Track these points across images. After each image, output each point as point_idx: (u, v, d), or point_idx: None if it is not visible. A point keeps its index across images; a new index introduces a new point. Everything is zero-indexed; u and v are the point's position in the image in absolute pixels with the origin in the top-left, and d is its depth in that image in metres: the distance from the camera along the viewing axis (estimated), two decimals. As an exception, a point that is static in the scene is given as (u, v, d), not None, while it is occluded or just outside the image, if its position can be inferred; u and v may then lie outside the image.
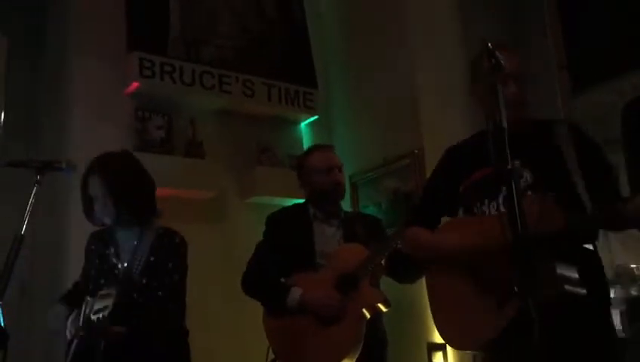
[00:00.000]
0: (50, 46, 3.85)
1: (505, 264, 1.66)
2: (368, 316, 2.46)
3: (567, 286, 1.57)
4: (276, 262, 2.62)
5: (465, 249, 1.84)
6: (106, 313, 1.86)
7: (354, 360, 2.41)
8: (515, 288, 1.48)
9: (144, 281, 2.14)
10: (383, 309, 2.49)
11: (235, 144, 3.97)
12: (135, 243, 2.21)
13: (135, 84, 3.59)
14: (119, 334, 1.96)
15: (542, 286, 1.29)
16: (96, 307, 1.91)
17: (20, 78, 3.74)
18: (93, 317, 1.89)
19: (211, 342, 3.30)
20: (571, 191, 1.77)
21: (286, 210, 2.93)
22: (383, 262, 2.51)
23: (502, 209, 1.82)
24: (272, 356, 2.56)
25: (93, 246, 2.29)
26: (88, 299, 1.98)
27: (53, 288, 3.19)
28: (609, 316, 1.86)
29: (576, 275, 1.61)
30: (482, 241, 1.76)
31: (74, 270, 2.45)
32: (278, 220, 2.80)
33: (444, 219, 2.12)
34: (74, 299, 2.18)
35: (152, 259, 2.18)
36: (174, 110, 3.76)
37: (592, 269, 1.77)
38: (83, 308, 1.98)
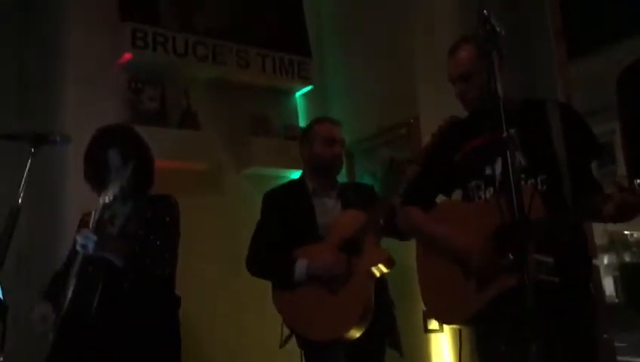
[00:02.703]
0: (42, 18, 3.78)
1: (485, 250, 1.79)
2: (377, 274, 2.47)
3: (541, 275, 1.62)
4: (279, 240, 2.61)
5: (451, 243, 1.96)
6: (116, 189, 1.95)
7: (367, 319, 2.42)
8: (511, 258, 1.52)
9: (141, 233, 2.17)
10: (388, 268, 2.49)
11: (230, 115, 3.94)
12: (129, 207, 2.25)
13: (127, 55, 3.54)
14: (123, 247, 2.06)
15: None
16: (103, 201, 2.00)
17: (11, 51, 3.70)
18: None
19: (207, 315, 3.34)
20: (556, 178, 1.82)
21: (282, 186, 2.92)
22: (381, 221, 2.51)
23: (497, 194, 1.86)
24: (286, 332, 2.57)
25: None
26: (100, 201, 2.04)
27: (51, 261, 3.20)
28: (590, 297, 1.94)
29: (551, 262, 1.66)
30: (468, 230, 1.87)
31: (71, 242, 2.46)
32: (277, 197, 2.78)
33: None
34: (55, 293, 2.20)
35: (149, 214, 2.22)
36: (168, 81, 3.72)
37: (574, 257, 1.84)
38: (92, 215, 2.05)
